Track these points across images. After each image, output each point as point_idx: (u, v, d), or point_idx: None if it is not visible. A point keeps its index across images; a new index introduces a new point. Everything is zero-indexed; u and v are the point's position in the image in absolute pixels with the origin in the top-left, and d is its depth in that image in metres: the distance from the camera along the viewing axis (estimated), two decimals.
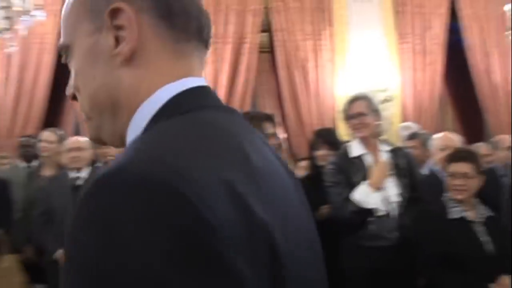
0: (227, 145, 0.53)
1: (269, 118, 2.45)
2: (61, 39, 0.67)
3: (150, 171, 0.44)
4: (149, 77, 0.60)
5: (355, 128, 2.72)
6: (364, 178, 2.60)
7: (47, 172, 3.80)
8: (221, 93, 6.08)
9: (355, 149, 2.73)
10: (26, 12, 4.88)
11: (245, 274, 0.44)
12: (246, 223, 0.46)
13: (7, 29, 4.88)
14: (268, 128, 2.34)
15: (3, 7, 4.71)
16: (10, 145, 5.64)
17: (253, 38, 6.15)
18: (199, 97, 0.61)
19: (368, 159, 2.69)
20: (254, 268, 0.45)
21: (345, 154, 2.76)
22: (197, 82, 0.63)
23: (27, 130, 6.29)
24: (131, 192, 0.42)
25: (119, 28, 0.60)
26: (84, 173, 3.19)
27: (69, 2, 0.66)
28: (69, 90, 0.69)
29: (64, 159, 3.34)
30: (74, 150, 3.23)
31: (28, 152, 4.43)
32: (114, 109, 0.62)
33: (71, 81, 0.68)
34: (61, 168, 3.46)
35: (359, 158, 2.70)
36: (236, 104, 6.12)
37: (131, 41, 0.59)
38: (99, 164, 3.43)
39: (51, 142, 3.86)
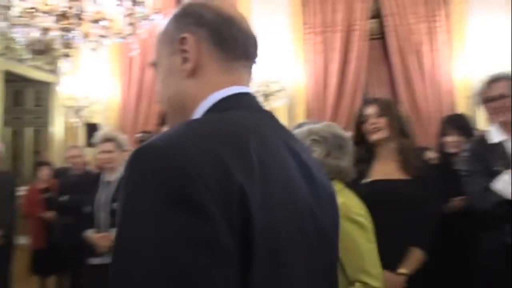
0: (234, 133, 0.73)
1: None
2: (153, 58, 0.94)
3: (160, 145, 0.67)
4: (205, 87, 0.84)
5: (495, 112, 2.43)
6: (507, 166, 2.32)
7: None
8: (332, 83, 5.97)
9: (495, 134, 2.45)
10: (146, 17, 5.27)
11: (216, 217, 0.62)
12: (224, 180, 0.64)
13: (130, 34, 5.32)
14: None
15: (128, 15, 5.12)
16: (133, 140, 6.17)
17: (362, 25, 5.95)
18: (235, 100, 0.83)
19: (510, 146, 2.40)
20: (225, 214, 0.63)
21: (482, 140, 2.49)
22: (239, 89, 0.85)
23: (148, 127, 6.83)
24: (145, 157, 0.67)
25: (185, 51, 0.84)
26: None
27: (158, 33, 0.92)
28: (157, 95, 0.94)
29: None
30: None
31: None
32: (182, 109, 0.86)
33: (157, 87, 0.94)
34: None
35: (499, 144, 2.42)
36: (347, 94, 5.97)
37: (192, 61, 0.84)
38: None
39: None
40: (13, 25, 4.44)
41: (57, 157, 8.34)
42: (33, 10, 4.23)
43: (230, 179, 0.65)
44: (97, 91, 7.94)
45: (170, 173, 0.63)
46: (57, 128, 9.36)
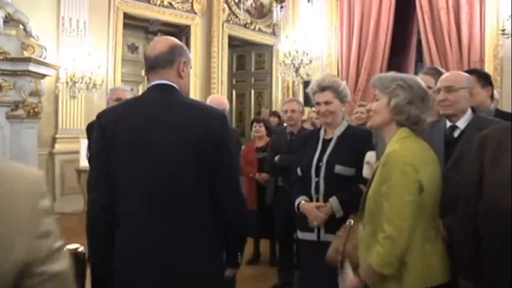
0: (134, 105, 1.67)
1: None
2: None
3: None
4: None
5: None
6: None
7: None
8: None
9: None
10: None
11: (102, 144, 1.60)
12: (112, 127, 1.58)
13: None
14: None
15: None
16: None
17: None
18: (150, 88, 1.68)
19: None
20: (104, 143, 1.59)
21: None
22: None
23: None
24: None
25: None
26: None
27: None
28: None
29: None
30: None
31: None
32: None
33: None
34: None
35: None
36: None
37: None
38: None
39: None
40: None
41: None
42: None
43: (99, 123, 1.62)
44: (315, 47, 7.32)
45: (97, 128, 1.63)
46: (278, 89, 9.33)
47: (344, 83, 2.44)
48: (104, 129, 1.56)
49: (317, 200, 2.31)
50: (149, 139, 1.50)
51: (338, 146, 2.33)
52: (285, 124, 5.84)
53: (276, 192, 3.71)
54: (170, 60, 1.60)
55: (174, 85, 1.60)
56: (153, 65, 1.61)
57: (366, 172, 1.94)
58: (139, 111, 1.57)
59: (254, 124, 4.51)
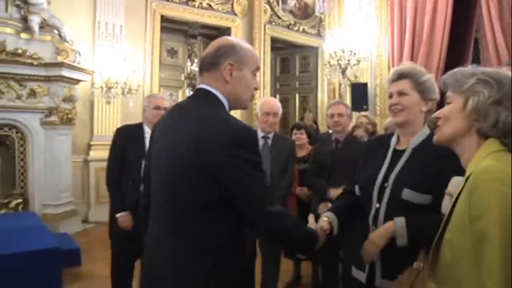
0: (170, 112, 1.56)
1: None
2: None
3: None
4: None
5: None
6: None
7: None
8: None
9: None
10: None
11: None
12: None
13: None
14: None
15: None
16: None
17: None
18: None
19: None
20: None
21: None
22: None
23: None
24: None
25: None
26: None
27: None
28: None
29: None
30: None
31: None
32: None
33: None
34: None
35: None
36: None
37: None
38: None
39: None
40: None
41: (323, 124, 7.69)
42: None
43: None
44: (364, 46, 6.73)
45: None
46: (324, 92, 8.79)
47: (431, 76, 1.77)
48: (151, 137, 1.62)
49: None
50: (157, 154, 1.48)
51: (412, 162, 1.70)
52: (330, 131, 5.35)
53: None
54: (215, 62, 1.43)
55: (213, 90, 1.42)
56: (200, 67, 1.49)
57: (446, 205, 1.29)
58: (168, 120, 1.50)
59: (294, 131, 3.99)
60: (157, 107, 3.00)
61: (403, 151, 1.75)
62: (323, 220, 1.68)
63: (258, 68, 1.50)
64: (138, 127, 3.08)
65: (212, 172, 1.27)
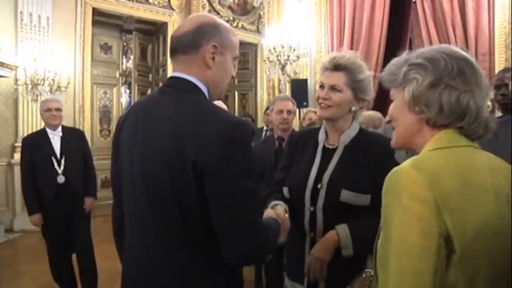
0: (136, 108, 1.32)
1: None
2: None
3: None
4: None
5: None
6: None
7: None
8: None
9: None
10: None
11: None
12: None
13: None
14: None
15: None
16: None
17: None
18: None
19: None
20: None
21: None
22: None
23: None
24: None
25: None
26: None
27: None
28: None
29: None
30: None
31: None
32: None
33: None
34: None
35: None
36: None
37: None
38: None
39: None
40: None
41: (262, 120, 7.64)
42: None
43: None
44: (303, 42, 6.75)
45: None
46: (263, 90, 8.75)
47: (369, 75, 1.63)
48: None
49: (313, 240, 1.56)
50: (130, 165, 1.24)
51: (346, 160, 1.58)
52: (265, 127, 5.24)
53: None
54: (195, 43, 1.18)
55: (190, 78, 1.18)
56: (172, 49, 1.22)
57: None
58: (132, 119, 1.27)
59: None
60: (48, 109, 3.33)
61: (334, 149, 1.63)
62: (277, 209, 1.48)
63: (238, 56, 1.28)
64: (42, 133, 3.42)
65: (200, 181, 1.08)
